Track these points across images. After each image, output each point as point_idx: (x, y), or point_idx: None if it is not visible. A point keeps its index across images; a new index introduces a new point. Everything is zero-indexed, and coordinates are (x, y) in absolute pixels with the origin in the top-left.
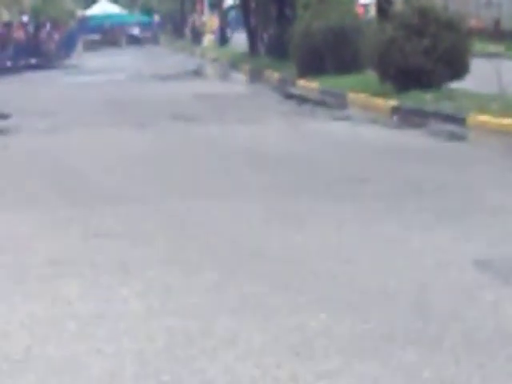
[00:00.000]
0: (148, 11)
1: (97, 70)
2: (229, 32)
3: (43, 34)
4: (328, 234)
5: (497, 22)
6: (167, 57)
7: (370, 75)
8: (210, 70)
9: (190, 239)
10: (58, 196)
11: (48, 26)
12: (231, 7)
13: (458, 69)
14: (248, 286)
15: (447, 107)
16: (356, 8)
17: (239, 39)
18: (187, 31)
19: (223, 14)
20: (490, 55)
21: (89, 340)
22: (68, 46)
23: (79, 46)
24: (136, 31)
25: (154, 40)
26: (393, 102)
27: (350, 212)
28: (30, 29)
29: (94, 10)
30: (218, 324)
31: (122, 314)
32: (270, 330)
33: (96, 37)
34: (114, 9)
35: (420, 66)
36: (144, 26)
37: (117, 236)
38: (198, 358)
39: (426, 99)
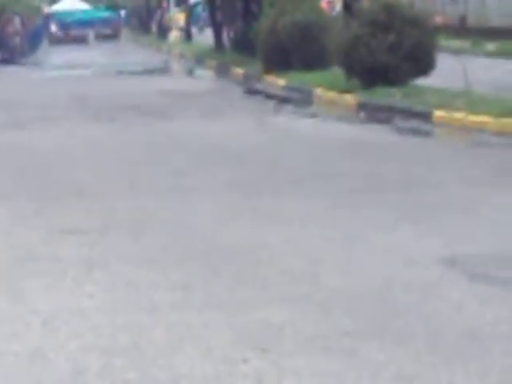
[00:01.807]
0: (114, 7)
1: (62, 66)
2: (196, 28)
3: (9, 29)
4: (292, 230)
5: (463, 19)
6: (133, 53)
7: (336, 72)
8: (176, 65)
9: (155, 235)
10: (23, 191)
11: (15, 21)
12: (197, 3)
13: (424, 65)
14: (212, 282)
15: (413, 103)
16: (321, 4)
17: (206, 36)
18: (153, 27)
19: (189, 10)
20: (456, 51)
21: (53, 336)
22: (34, 41)
23: (45, 42)
24: (102, 27)
25: (120, 36)
26: (359, 99)
27: (315, 209)
28: None
29: (60, 6)
30: (183, 320)
31: (88, 310)
32: (235, 326)
33: (62, 33)
34: (81, 5)
35: (385, 63)
36: (110, 22)
37: (82, 231)
38: (164, 354)
39: (392, 95)
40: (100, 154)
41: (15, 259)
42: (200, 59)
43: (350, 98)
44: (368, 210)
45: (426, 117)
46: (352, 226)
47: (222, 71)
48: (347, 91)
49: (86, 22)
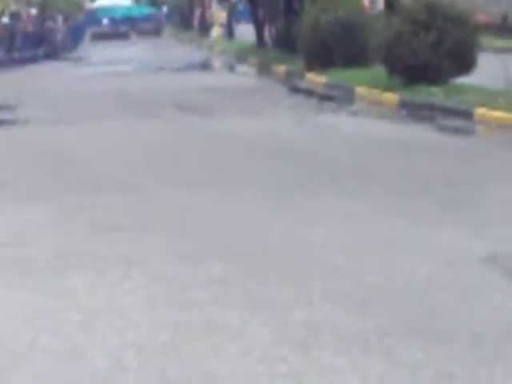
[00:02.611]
0: (156, 3)
1: (104, 62)
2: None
3: (51, 25)
4: (334, 228)
5: (505, 17)
6: (175, 49)
7: (378, 69)
8: (217, 62)
9: (195, 232)
10: (65, 188)
11: (57, 17)
12: (239, 0)
13: (465, 63)
14: (252, 279)
15: (454, 101)
16: (363, 2)
17: (245, 32)
18: (195, 23)
19: (231, 7)
20: (498, 50)
21: (92, 333)
22: (75, 37)
23: (87, 38)
24: (144, 23)
25: (162, 32)
26: (400, 97)
27: (357, 206)
28: (38, 20)
29: (102, 2)
30: (223, 318)
31: (126, 307)
32: (274, 324)
33: (104, 29)
34: (123, 1)
35: (427, 61)
36: (152, 18)
37: (122, 228)
38: (203, 352)
39: (433, 94)
40: (140, 151)
41: (55, 256)
42: (242, 56)
43: (392, 96)
44: (410, 208)
45: (467, 115)
46: (394, 225)
47: (264, 68)
48: (388, 89)
49: (128, 19)
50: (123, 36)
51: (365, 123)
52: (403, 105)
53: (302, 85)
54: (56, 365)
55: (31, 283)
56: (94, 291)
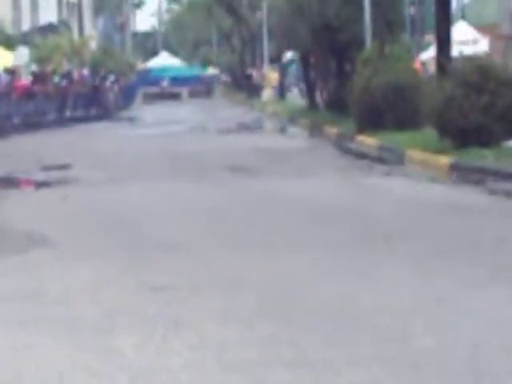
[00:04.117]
0: (208, 64)
1: (155, 123)
2: (288, 86)
3: (103, 85)
4: (383, 289)
5: None
6: (226, 109)
7: (429, 132)
8: (269, 123)
9: (245, 292)
10: (115, 247)
11: (109, 77)
12: (291, 61)
13: None
14: (301, 339)
15: (507, 165)
16: (415, 64)
17: (297, 93)
18: (247, 84)
19: (283, 68)
20: None
21: None
22: (128, 98)
23: (139, 99)
24: (195, 84)
25: (214, 93)
26: (451, 160)
27: (406, 267)
28: (91, 80)
29: (154, 63)
30: (273, 378)
31: (175, 367)
32: None
33: (156, 89)
34: (174, 61)
35: (479, 124)
36: (203, 79)
37: (171, 288)
38: None
39: (485, 156)
40: (190, 211)
41: (104, 315)
42: (293, 117)
43: (443, 159)
44: (459, 270)
45: None
46: (443, 286)
47: (315, 130)
48: (440, 152)
49: (180, 79)
50: (175, 97)
51: (415, 186)
52: (454, 168)
53: (353, 147)
54: None
55: (79, 342)
56: (142, 351)
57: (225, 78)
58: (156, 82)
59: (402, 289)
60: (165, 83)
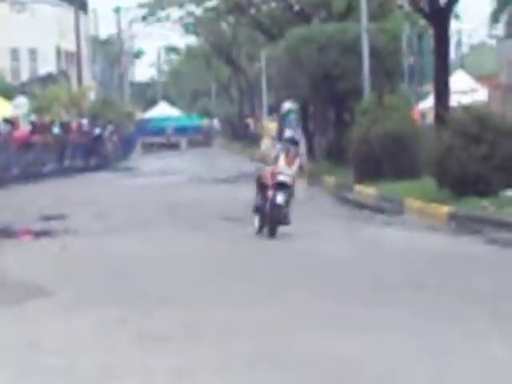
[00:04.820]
0: (207, 114)
1: (154, 173)
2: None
3: (102, 135)
4: (381, 341)
5: None
6: (225, 159)
7: (427, 181)
8: None
9: (244, 343)
10: (113, 298)
11: (108, 128)
12: (289, 111)
13: None
14: None
15: (505, 214)
16: (414, 114)
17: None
18: (245, 134)
19: (281, 118)
20: None
21: None
22: (127, 148)
23: (138, 149)
24: (194, 134)
25: (212, 143)
26: (450, 209)
27: (404, 319)
28: (89, 130)
29: (153, 113)
30: None
31: None
32: None
33: (155, 139)
34: (173, 111)
35: (477, 173)
36: (202, 129)
37: (169, 339)
38: None
39: (484, 206)
40: (188, 262)
41: (103, 365)
42: None
43: (441, 209)
44: (458, 321)
45: None
46: (442, 338)
47: (314, 179)
48: (438, 201)
49: (179, 129)
50: (174, 146)
51: (414, 235)
52: (453, 217)
53: (352, 196)
54: None
55: None
56: None
57: (223, 128)
58: (155, 132)
59: (400, 341)
60: (169, 131)
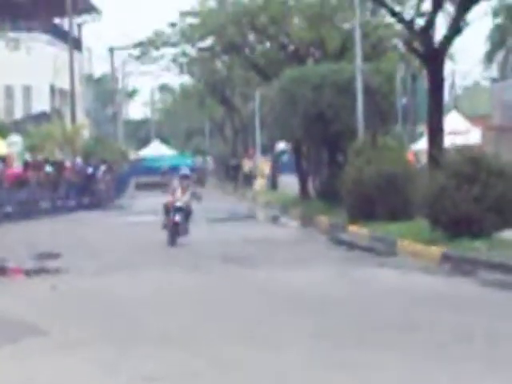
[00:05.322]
0: (200, 153)
1: (147, 211)
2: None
3: (96, 175)
4: (376, 379)
5: None
6: (218, 199)
7: (421, 222)
8: (260, 213)
9: (237, 381)
10: (105, 337)
11: (101, 167)
12: (283, 152)
13: (509, 217)
14: None
15: (498, 255)
16: (407, 155)
17: (289, 183)
18: (239, 174)
19: (275, 158)
20: None
21: None
22: (120, 187)
23: (131, 188)
24: (188, 173)
25: (206, 182)
26: (443, 250)
27: (398, 361)
28: (82, 170)
29: (147, 152)
30: None
31: None
32: None
33: (147, 178)
34: (167, 151)
35: (470, 214)
36: (195, 168)
37: (164, 379)
38: None
39: (477, 247)
40: (182, 303)
41: None
42: (285, 207)
43: (435, 250)
44: (453, 363)
45: (511, 269)
46: (437, 379)
47: (307, 220)
48: (432, 242)
49: (172, 169)
50: (167, 186)
51: (407, 277)
52: (446, 258)
53: (345, 237)
54: None
55: None
56: None
57: (217, 167)
58: (148, 171)
59: (393, 379)
60: (163, 170)
